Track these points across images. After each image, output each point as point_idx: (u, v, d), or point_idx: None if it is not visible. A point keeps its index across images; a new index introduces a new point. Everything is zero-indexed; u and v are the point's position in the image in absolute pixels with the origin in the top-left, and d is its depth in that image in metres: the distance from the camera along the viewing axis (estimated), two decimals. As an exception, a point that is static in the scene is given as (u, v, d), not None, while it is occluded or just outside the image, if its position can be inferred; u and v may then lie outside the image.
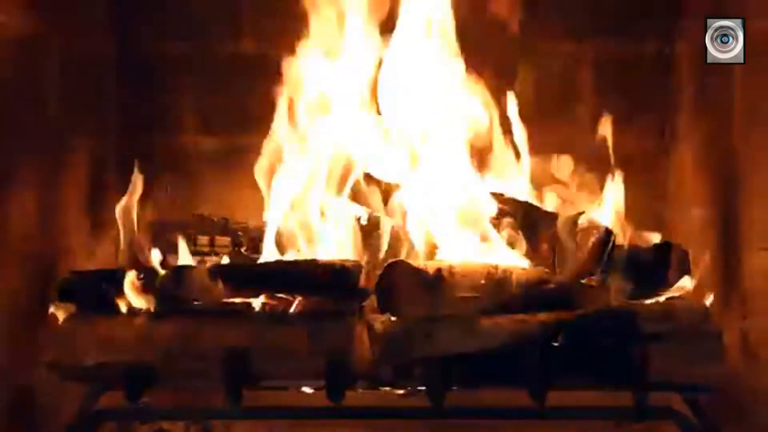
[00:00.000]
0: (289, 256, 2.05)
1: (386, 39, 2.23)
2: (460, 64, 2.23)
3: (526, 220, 2.05)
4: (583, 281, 1.94)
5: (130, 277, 1.89)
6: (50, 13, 2.18)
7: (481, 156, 2.23)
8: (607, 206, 2.13)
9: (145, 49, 2.56)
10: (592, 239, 1.94)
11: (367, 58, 2.24)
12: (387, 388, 1.88)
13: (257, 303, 1.89)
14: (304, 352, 1.81)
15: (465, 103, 2.23)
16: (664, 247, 2.01)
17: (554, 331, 1.81)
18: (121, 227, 2.05)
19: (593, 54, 2.53)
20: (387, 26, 2.24)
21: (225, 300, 1.89)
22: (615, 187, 2.14)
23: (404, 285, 1.82)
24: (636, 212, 2.14)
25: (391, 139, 2.22)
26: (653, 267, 1.98)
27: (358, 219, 2.10)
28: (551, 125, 2.40)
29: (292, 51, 2.26)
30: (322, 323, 1.83)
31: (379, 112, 2.23)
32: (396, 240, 2.08)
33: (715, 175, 2.25)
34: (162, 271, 1.91)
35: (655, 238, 2.08)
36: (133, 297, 1.88)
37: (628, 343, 1.81)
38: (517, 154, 2.24)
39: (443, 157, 2.18)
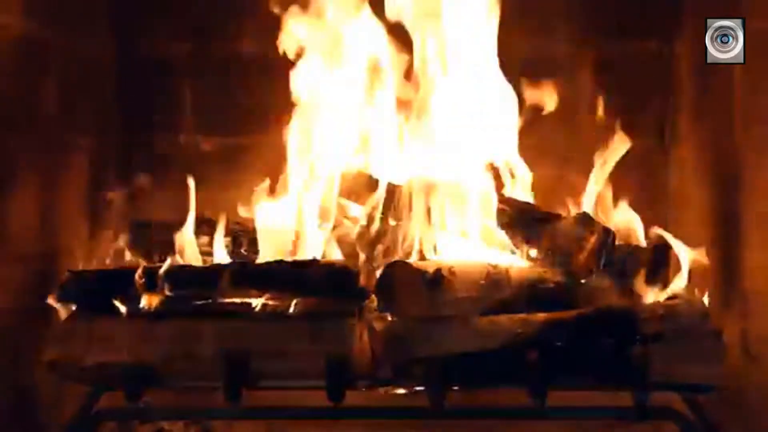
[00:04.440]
0: (290, 257, 2.05)
1: (389, 39, 2.24)
2: (460, 64, 2.23)
3: (526, 220, 2.04)
4: (583, 281, 1.94)
5: (132, 278, 1.89)
6: (51, 14, 2.19)
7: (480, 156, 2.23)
8: (606, 206, 2.13)
9: (145, 49, 2.56)
10: (592, 239, 1.94)
11: (367, 58, 2.24)
12: (387, 388, 1.88)
13: (257, 303, 1.89)
14: (304, 352, 1.81)
15: (465, 103, 2.23)
16: (663, 247, 2.01)
17: (554, 331, 1.81)
18: (120, 228, 2.05)
19: (593, 54, 2.53)
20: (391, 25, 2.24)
21: (225, 300, 1.90)
22: (615, 188, 2.14)
23: (404, 285, 1.82)
24: (636, 212, 2.14)
25: (391, 138, 2.22)
26: (652, 266, 1.98)
27: (359, 219, 2.11)
28: (551, 125, 2.40)
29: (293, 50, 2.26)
30: (322, 323, 1.83)
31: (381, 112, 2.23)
32: (396, 240, 2.07)
33: (715, 175, 2.25)
34: (162, 272, 1.91)
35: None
36: (134, 297, 1.89)
37: (628, 343, 1.81)
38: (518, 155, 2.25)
39: (444, 158, 2.18)
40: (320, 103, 2.24)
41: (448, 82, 2.22)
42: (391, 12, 2.21)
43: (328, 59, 2.25)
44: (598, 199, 2.16)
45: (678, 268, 1.98)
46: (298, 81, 2.25)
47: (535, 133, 2.30)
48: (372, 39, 2.24)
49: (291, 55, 2.26)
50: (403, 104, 2.24)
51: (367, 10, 2.24)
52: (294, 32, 2.25)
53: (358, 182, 2.16)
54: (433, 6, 2.23)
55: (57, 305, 1.95)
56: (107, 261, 2.13)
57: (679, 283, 1.96)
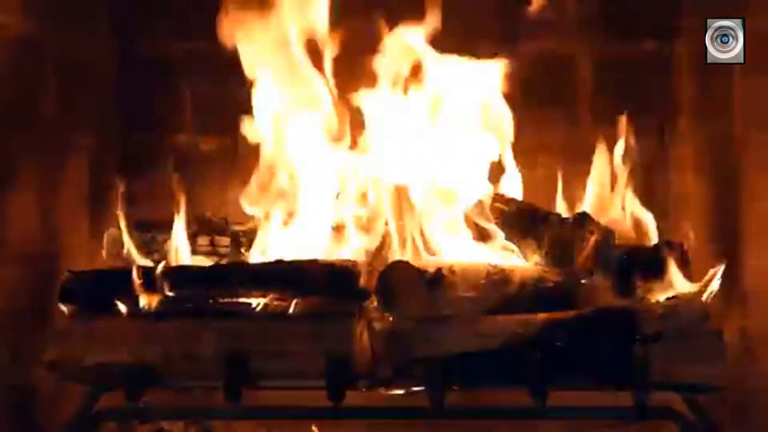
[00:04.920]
0: (289, 257, 2.05)
1: (385, 39, 2.24)
2: (459, 64, 2.23)
3: (526, 220, 2.04)
4: (583, 281, 1.94)
5: (133, 277, 1.89)
6: (51, 14, 2.19)
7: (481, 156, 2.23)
8: (607, 206, 2.13)
9: (144, 49, 2.56)
10: (592, 239, 1.94)
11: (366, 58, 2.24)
12: (387, 388, 1.88)
13: (257, 303, 1.89)
14: (304, 352, 1.81)
15: (465, 104, 2.23)
16: (663, 247, 2.01)
17: (554, 331, 1.81)
18: (119, 227, 2.05)
19: (593, 54, 2.53)
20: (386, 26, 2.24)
21: (225, 300, 1.90)
22: (615, 187, 2.15)
23: (404, 285, 1.82)
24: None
25: (390, 138, 2.22)
26: (653, 266, 1.98)
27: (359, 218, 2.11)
28: (551, 126, 2.40)
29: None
30: (322, 323, 1.83)
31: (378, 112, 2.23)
32: (396, 240, 2.07)
33: (715, 175, 2.25)
34: (160, 272, 1.91)
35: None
36: (135, 297, 1.89)
37: (628, 343, 1.81)
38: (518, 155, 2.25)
39: (444, 158, 2.18)
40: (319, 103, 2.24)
41: (446, 81, 2.22)
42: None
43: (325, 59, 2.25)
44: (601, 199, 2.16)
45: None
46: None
47: (536, 133, 2.29)
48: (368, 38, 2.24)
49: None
50: (401, 103, 2.24)
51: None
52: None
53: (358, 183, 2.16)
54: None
55: (57, 305, 1.95)
56: (107, 261, 2.13)
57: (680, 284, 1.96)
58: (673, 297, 1.94)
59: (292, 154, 2.20)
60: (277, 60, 2.20)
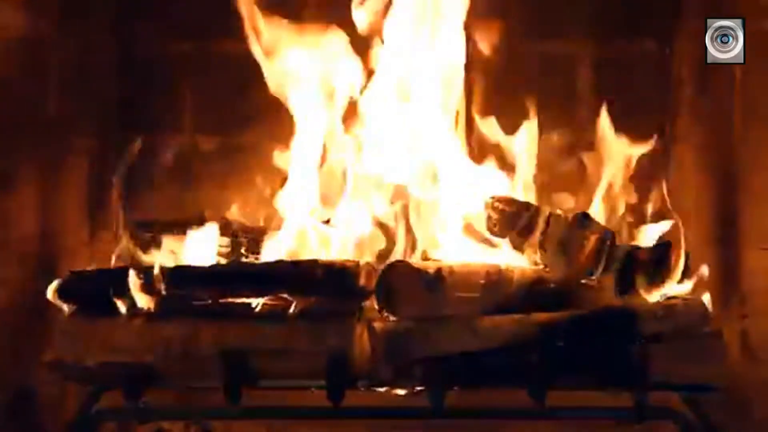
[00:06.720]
0: (289, 257, 2.05)
1: (384, 40, 2.24)
2: (459, 64, 2.23)
3: (526, 220, 2.04)
4: (583, 281, 1.94)
5: (133, 277, 1.89)
6: (51, 14, 2.19)
7: (481, 156, 2.23)
8: (607, 206, 2.13)
9: (145, 48, 2.56)
10: (592, 239, 1.94)
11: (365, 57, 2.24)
12: (387, 388, 1.88)
13: (257, 303, 1.89)
14: (304, 352, 1.81)
15: (465, 103, 2.24)
16: (663, 247, 2.01)
17: (554, 331, 1.81)
18: (119, 227, 2.06)
19: (593, 54, 2.53)
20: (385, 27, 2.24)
21: (225, 300, 1.90)
22: (615, 187, 2.15)
23: (404, 285, 1.82)
24: (635, 212, 2.15)
25: (390, 138, 2.22)
26: (653, 267, 1.98)
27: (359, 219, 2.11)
28: (551, 125, 2.40)
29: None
30: (322, 323, 1.83)
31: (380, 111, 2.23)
32: (396, 240, 2.08)
33: (715, 175, 2.25)
34: (160, 271, 1.91)
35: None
36: (135, 297, 1.89)
37: (628, 343, 1.81)
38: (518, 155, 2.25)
39: (444, 158, 2.18)
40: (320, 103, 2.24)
41: (450, 82, 2.23)
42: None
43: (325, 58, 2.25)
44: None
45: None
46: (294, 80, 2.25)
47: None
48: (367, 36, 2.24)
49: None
50: (398, 102, 2.24)
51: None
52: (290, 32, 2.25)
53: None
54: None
55: (57, 302, 1.95)
56: (108, 261, 2.13)
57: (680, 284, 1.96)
58: (673, 297, 1.95)
59: (292, 154, 2.21)
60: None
